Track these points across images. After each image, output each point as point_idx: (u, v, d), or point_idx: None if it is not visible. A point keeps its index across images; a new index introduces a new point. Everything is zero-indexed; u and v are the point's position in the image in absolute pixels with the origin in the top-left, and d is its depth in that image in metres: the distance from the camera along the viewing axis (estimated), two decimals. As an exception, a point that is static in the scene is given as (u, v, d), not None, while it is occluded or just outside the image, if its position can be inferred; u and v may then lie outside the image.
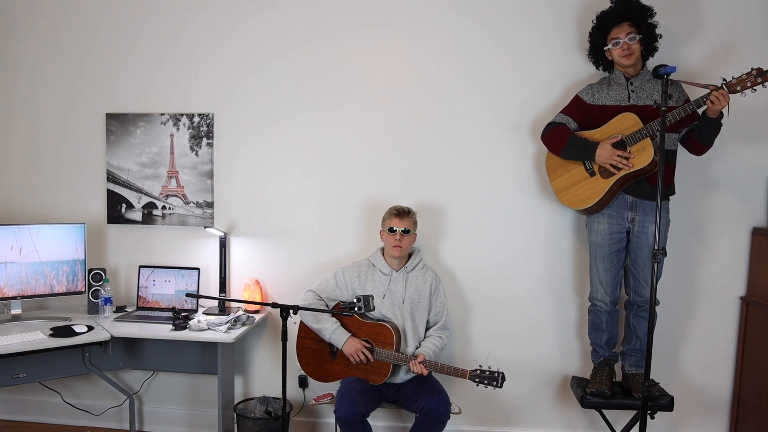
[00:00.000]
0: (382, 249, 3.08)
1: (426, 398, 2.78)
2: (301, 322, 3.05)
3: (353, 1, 3.30)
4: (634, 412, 2.88)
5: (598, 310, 2.97)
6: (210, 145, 3.43)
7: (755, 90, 2.55)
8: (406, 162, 3.33)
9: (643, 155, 2.72)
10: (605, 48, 2.88)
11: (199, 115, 3.42)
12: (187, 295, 2.62)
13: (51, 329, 2.97)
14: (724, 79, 2.60)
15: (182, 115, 3.43)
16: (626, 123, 2.78)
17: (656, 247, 2.37)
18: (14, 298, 3.19)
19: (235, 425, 3.24)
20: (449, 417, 2.80)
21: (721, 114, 2.68)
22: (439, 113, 3.29)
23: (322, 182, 3.40)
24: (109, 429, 3.55)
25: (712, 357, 3.24)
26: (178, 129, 3.44)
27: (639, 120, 2.74)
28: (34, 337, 2.87)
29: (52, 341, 2.86)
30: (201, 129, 3.43)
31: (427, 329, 3.04)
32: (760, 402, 3.00)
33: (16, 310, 3.22)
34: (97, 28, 3.47)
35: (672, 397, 2.84)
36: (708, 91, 2.59)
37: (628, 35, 2.78)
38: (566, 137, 2.89)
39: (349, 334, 2.92)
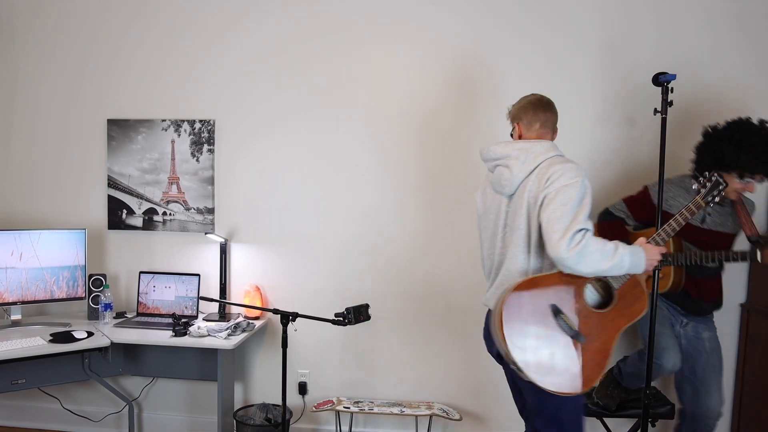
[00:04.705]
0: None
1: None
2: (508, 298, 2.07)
3: (357, 12, 3.31)
4: (635, 419, 2.87)
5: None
6: (211, 151, 3.44)
7: None
8: (407, 170, 3.33)
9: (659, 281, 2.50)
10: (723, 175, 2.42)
11: (201, 121, 3.43)
12: (201, 298, 2.63)
13: (51, 335, 2.96)
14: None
15: (183, 121, 3.44)
16: None
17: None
18: (14, 303, 3.18)
19: (235, 432, 3.24)
20: None
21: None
22: (442, 122, 3.30)
23: (322, 189, 3.40)
24: (108, 435, 3.55)
25: (713, 365, 3.23)
26: (179, 135, 3.45)
27: (671, 241, 2.55)
28: (33, 342, 2.87)
29: (52, 347, 2.85)
30: (202, 135, 3.43)
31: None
32: (762, 410, 2.99)
33: (16, 316, 3.21)
34: (98, 34, 3.49)
35: (673, 405, 2.83)
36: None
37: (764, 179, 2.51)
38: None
39: (640, 240, 2.20)
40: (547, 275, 2.05)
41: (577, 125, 3.18)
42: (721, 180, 2.29)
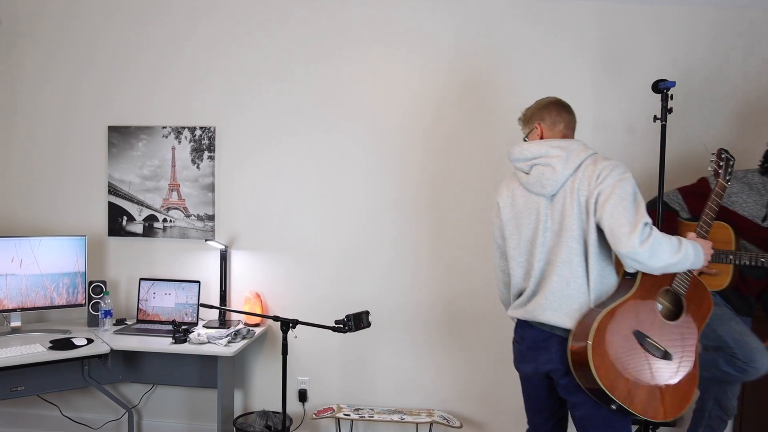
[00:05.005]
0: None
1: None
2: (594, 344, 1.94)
3: (356, 20, 3.32)
4: (635, 426, 2.86)
5: None
6: (211, 158, 3.44)
7: None
8: (408, 175, 3.34)
9: (714, 279, 2.49)
10: None
11: (201, 128, 3.43)
12: (201, 305, 2.63)
13: (50, 342, 2.96)
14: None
15: (184, 128, 3.44)
16: (717, 235, 2.48)
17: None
18: (14, 310, 3.18)
19: (235, 439, 3.23)
20: None
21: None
22: (443, 127, 3.30)
23: (323, 196, 3.40)
24: (108, 443, 3.54)
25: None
26: (179, 142, 3.45)
27: (733, 239, 2.47)
28: (33, 349, 2.86)
29: (52, 354, 2.84)
30: (203, 142, 3.44)
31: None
32: (763, 415, 2.98)
33: (16, 323, 3.21)
34: (99, 41, 3.50)
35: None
36: None
37: None
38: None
39: (690, 235, 2.16)
40: (622, 302, 1.98)
41: (577, 131, 3.17)
42: (730, 156, 2.31)
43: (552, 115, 2.21)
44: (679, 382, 1.97)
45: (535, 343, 2.13)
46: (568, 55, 3.22)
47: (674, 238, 1.93)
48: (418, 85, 3.31)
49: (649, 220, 1.90)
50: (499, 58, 3.25)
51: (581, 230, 2.00)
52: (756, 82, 3.15)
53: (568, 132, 2.21)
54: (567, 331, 2.02)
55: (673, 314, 2.09)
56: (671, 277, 2.10)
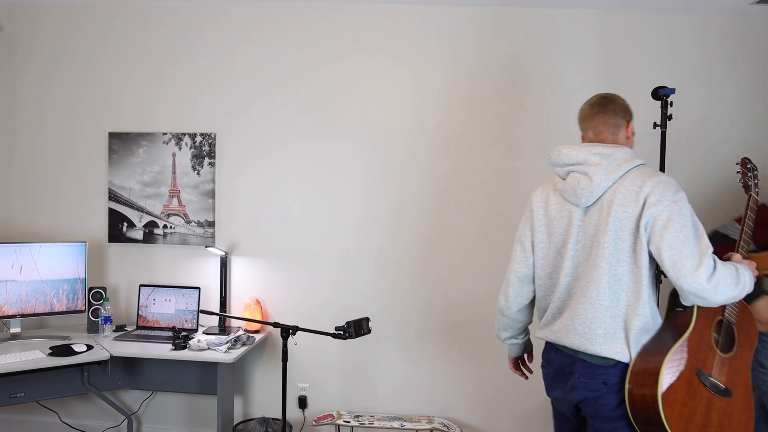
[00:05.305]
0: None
1: None
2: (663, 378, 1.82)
3: (357, 29, 3.33)
4: None
5: None
6: (212, 164, 3.45)
7: None
8: (409, 181, 3.34)
9: None
10: None
11: (201, 134, 3.44)
12: (201, 311, 2.63)
13: (50, 348, 2.95)
14: None
15: (184, 134, 3.45)
16: None
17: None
18: (14, 316, 3.17)
19: (234, 446, 3.22)
20: None
21: None
22: (444, 134, 3.31)
23: (323, 202, 3.40)
24: (107, 450, 3.53)
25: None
26: (180, 148, 3.46)
27: None
28: (32, 356, 2.86)
29: (51, 360, 2.84)
30: (203, 148, 3.44)
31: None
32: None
33: (16, 329, 3.20)
34: (101, 48, 3.51)
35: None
36: None
37: None
38: None
39: (735, 257, 1.98)
40: (682, 344, 1.84)
41: (576, 139, 3.18)
42: (754, 164, 2.23)
43: (582, 125, 2.07)
44: (740, 418, 1.87)
45: (560, 368, 2.00)
46: (569, 63, 3.22)
47: (731, 266, 1.78)
48: (419, 91, 3.32)
49: (711, 248, 1.73)
50: (500, 66, 3.26)
51: (614, 249, 1.82)
52: (758, 88, 3.15)
53: (604, 134, 1.99)
54: (590, 355, 1.89)
55: (725, 346, 1.97)
56: (723, 306, 1.98)
